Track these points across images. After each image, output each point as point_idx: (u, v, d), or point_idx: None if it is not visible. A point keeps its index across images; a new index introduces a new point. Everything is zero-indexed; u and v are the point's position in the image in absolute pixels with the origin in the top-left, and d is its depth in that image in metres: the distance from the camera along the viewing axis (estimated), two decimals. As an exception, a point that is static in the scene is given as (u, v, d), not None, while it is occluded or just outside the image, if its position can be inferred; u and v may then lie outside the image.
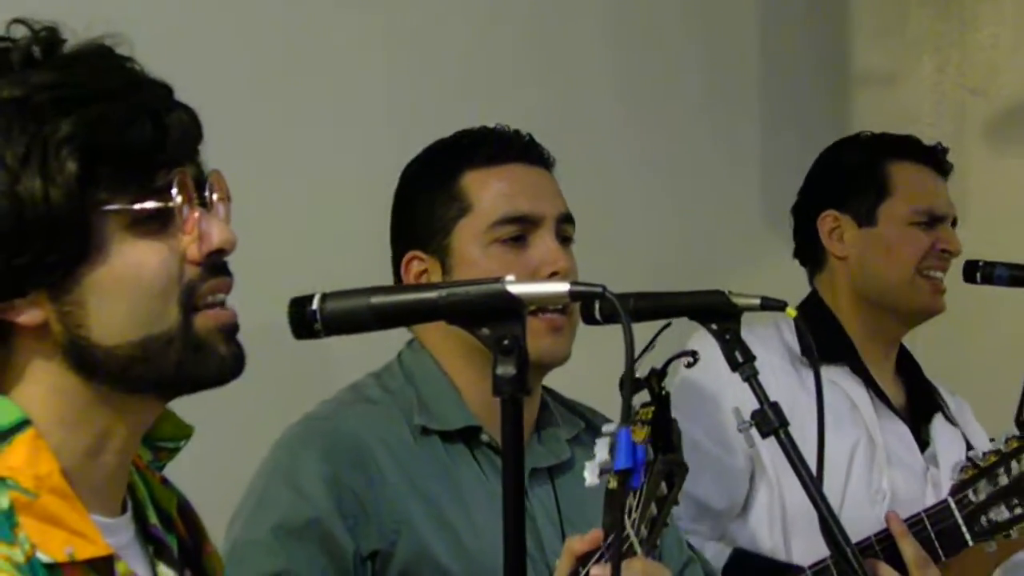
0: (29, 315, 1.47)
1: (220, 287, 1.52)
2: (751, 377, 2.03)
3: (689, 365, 2.06)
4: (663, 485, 2.04)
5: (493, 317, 1.59)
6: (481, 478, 2.25)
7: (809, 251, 3.00)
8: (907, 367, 3.04)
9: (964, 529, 2.63)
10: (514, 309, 1.59)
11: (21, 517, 1.43)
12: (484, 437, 2.27)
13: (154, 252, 1.49)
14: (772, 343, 2.85)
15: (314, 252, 2.84)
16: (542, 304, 1.99)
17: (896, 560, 2.61)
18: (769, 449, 2.57)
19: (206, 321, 1.51)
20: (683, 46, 3.82)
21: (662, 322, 2.09)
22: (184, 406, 1.59)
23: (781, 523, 2.81)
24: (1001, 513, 2.63)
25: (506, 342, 1.58)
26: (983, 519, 2.64)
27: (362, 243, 2.40)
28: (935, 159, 3.00)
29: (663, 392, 2.01)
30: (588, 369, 2.32)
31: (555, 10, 3.50)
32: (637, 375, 1.99)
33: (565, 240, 2.31)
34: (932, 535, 2.65)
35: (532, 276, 2.20)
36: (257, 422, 2.31)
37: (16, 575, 1.41)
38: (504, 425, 1.61)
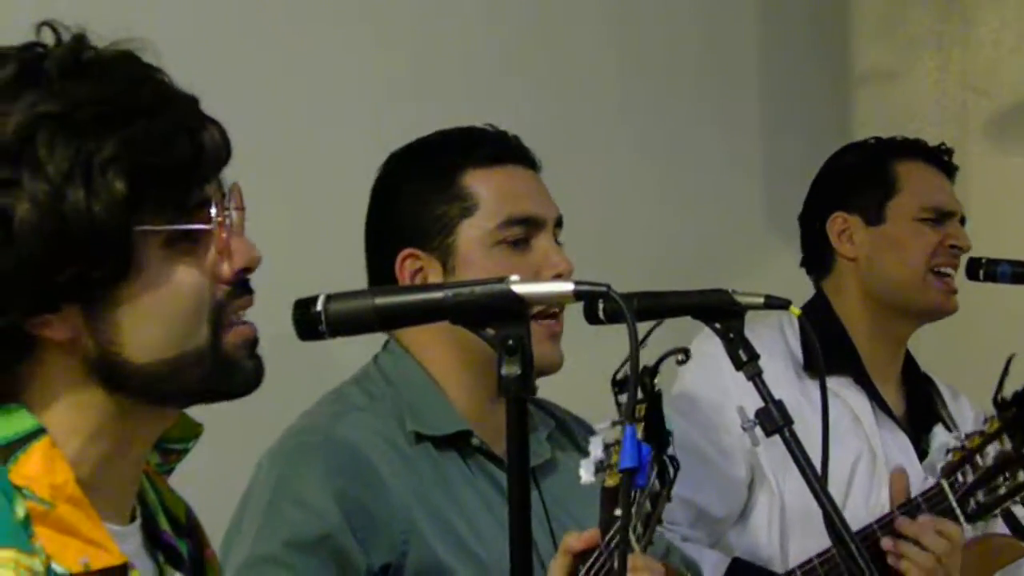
0: (59, 330, 1.47)
1: (246, 305, 1.54)
2: (756, 376, 2.03)
3: (681, 362, 2.06)
4: (655, 481, 2.04)
5: (497, 317, 1.60)
6: (473, 483, 2.24)
7: (817, 256, 3.01)
8: (911, 374, 3.04)
9: (958, 512, 2.64)
10: (518, 309, 1.60)
11: (36, 527, 1.44)
12: (475, 441, 2.25)
13: (189, 273, 1.50)
14: (776, 350, 2.85)
15: (308, 256, 2.82)
16: (547, 304, 2.00)
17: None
18: (770, 452, 2.57)
19: (234, 338, 1.52)
20: (683, 44, 3.83)
21: (667, 321, 2.08)
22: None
23: (779, 527, 2.82)
24: (988, 494, 2.65)
25: (511, 342, 1.59)
26: (972, 500, 2.65)
27: (357, 246, 2.38)
28: (940, 159, 3.01)
29: (656, 389, 2.02)
30: (572, 369, 2.31)
31: (553, 7, 3.51)
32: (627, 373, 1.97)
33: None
34: None
35: (535, 278, 2.16)
36: (258, 427, 2.28)
37: None
38: (509, 426, 1.61)
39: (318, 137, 2.97)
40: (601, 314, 2.05)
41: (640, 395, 2.02)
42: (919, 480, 2.81)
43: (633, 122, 3.64)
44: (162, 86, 1.52)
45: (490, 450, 2.25)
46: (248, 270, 1.53)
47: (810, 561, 2.66)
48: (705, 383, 2.79)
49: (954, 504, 2.65)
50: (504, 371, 1.58)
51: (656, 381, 2.03)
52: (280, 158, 2.86)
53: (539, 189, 2.32)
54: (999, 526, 2.81)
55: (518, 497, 1.63)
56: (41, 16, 1.51)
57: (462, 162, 2.28)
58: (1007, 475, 2.65)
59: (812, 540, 2.61)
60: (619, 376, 2.01)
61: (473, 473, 2.25)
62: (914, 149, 3.02)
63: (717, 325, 2.05)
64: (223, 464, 2.22)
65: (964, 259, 2.98)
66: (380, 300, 1.63)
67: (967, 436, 2.69)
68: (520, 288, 1.60)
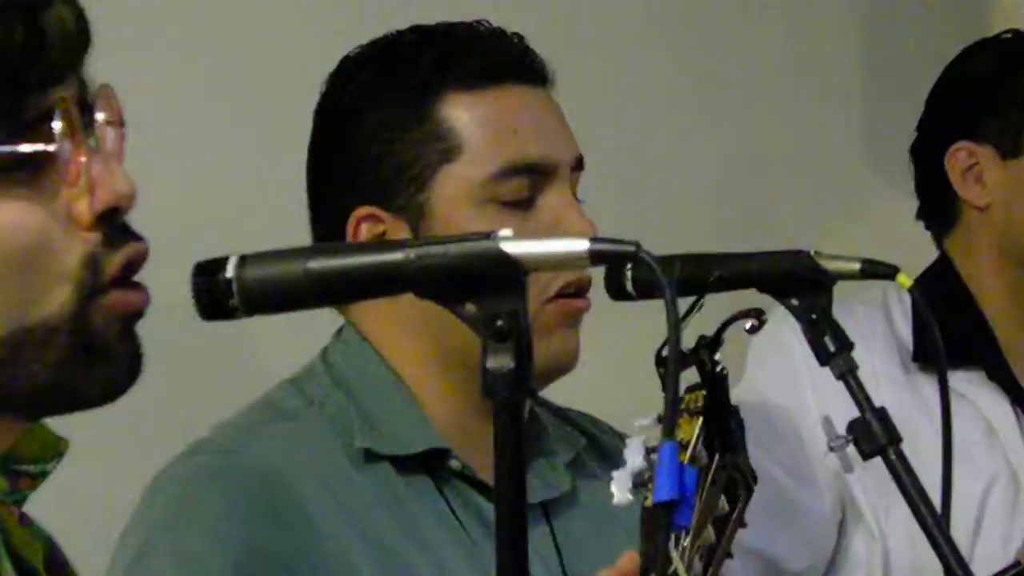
0: None
1: (133, 256, 1.32)
2: (848, 374, 1.81)
3: (752, 330, 1.84)
4: (723, 501, 1.80)
5: (482, 288, 1.36)
6: (448, 519, 1.93)
7: (937, 204, 2.67)
8: None
9: None
10: (512, 276, 1.36)
11: None
12: (454, 464, 1.94)
13: (22, 212, 1.28)
14: (877, 336, 2.55)
15: (241, 211, 2.59)
16: (552, 268, 1.72)
17: None
18: (869, 479, 2.36)
19: (106, 309, 1.31)
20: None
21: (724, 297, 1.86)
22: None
23: None
24: None
25: (500, 323, 1.35)
26: None
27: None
28: None
29: (719, 370, 1.79)
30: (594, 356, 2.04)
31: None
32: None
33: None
34: None
35: None
36: (154, 432, 2.12)
37: None
38: (497, 442, 1.38)
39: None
40: (629, 286, 1.84)
41: (696, 380, 1.79)
42: None
43: (667, 33, 3.32)
44: None
45: (475, 476, 1.95)
46: (117, 211, 1.30)
47: None
48: (777, 384, 2.52)
49: None
50: (490, 364, 1.35)
51: (719, 358, 1.78)
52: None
53: (549, 118, 1.99)
54: None
55: (509, 543, 1.44)
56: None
57: (437, 82, 1.95)
58: None
59: None
60: (664, 352, 1.75)
61: (451, 504, 1.94)
62: None
63: (794, 302, 1.84)
64: (112, 483, 2.04)
65: None
66: (315, 263, 1.40)
67: None
68: (513, 247, 1.35)
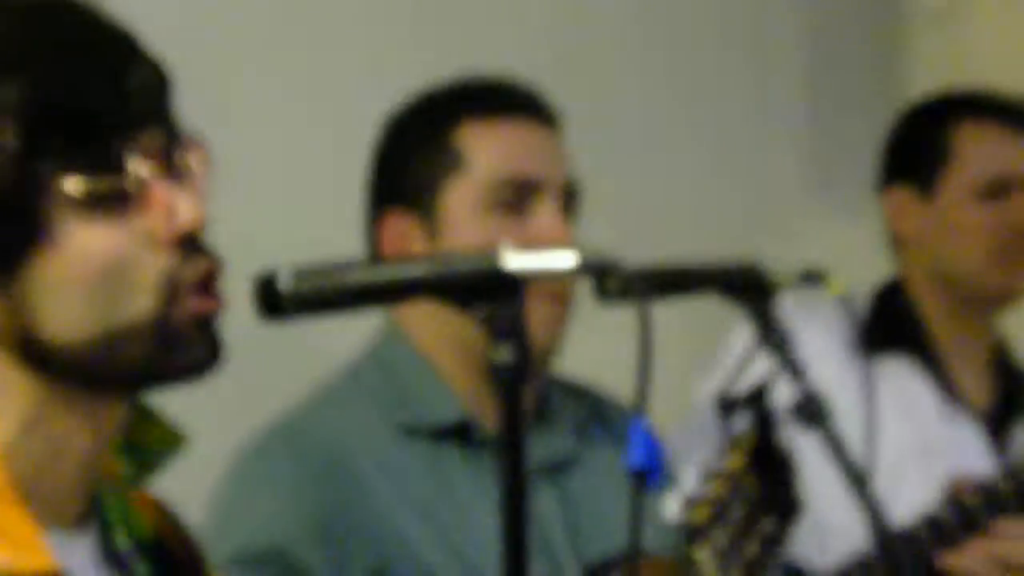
0: None
1: (205, 271, 1.42)
2: (788, 358, 1.90)
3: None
4: (766, 521, 1.86)
5: (487, 294, 1.50)
6: (477, 481, 2.10)
7: (887, 232, 2.83)
8: (1003, 365, 2.85)
9: None
10: (512, 285, 1.50)
11: None
12: (478, 435, 2.12)
13: (110, 236, 1.39)
14: (832, 326, 2.66)
15: (311, 227, 2.73)
16: (546, 279, 1.79)
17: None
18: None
19: (185, 311, 1.41)
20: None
21: (687, 299, 1.94)
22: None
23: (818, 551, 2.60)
24: None
25: (502, 323, 1.49)
26: None
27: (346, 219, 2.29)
28: (1011, 114, 2.79)
29: (767, 414, 1.87)
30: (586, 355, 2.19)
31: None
32: (736, 395, 1.88)
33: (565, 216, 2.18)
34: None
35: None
36: (236, 421, 2.21)
37: None
38: (501, 422, 1.50)
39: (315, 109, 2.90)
40: (612, 290, 1.85)
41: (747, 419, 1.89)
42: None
43: (658, 76, 3.49)
44: (92, 23, 1.41)
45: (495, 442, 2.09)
46: (192, 233, 1.41)
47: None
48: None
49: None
50: (494, 357, 1.48)
51: (768, 403, 1.87)
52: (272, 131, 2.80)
53: (545, 147, 2.17)
54: None
55: (512, 500, 1.55)
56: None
57: (457, 112, 2.17)
58: None
59: None
60: (728, 397, 1.87)
61: (477, 470, 2.11)
62: (976, 104, 2.81)
63: (746, 302, 1.94)
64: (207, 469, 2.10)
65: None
66: (353, 275, 1.54)
67: None
68: (513, 261, 1.50)
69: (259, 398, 2.32)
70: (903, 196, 2.78)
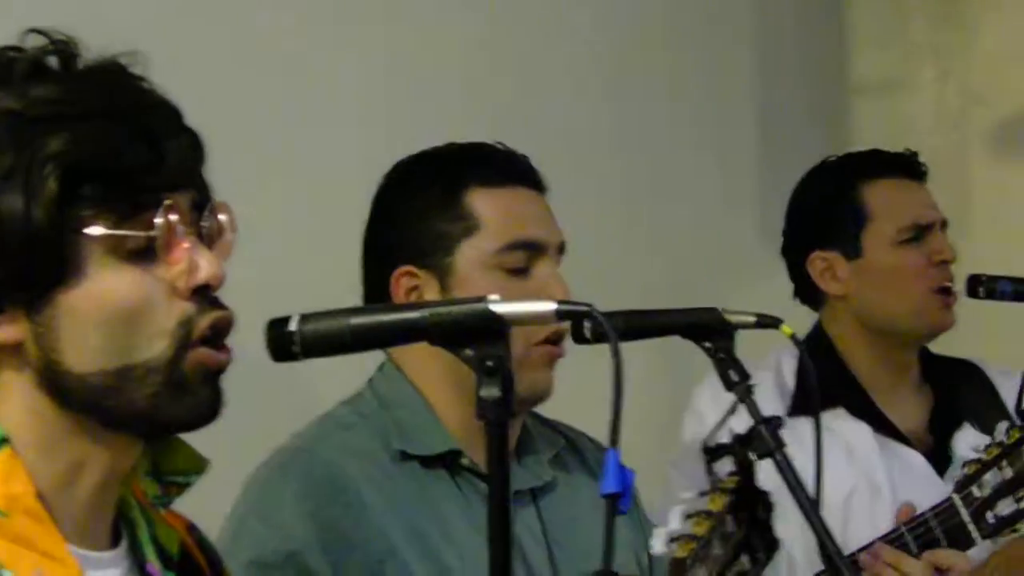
0: (6, 332, 1.48)
1: (219, 323, 1.51)
2: (746, 396, 2.01)
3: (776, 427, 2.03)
4: (744, 559, 1.97)
5: (477, 337, 1.61)
6: (463, 504, 2.23)
7: (807, 291, 2.95)
8: (932, 373, 2.96)
9: (971, 527, 2.59)
10: (498, 329, 1.60)
11: None
12: (465, 461, 2.25)
13: (133, 280, 1.48)
14: (767, 388, 2.78)
15: (311, 273, 2.83)
16: (527, 323, 1.89)
17: None
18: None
19: (195, 361, 1.50)
20: (675, 54, 3.82)
21: (653, 341, 2.08)
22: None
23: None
24: (1007, 507, 2.60)
25: (490, 363, 1.59)
26: (989, 515, 2.60)
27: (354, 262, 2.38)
28: (906, 166, 2.94)
29: (750, 461, 1.99)
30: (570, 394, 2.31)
31: (537, 21, 3.51)
32: (721, 440, 2.01)
33: None
34: (939, 535, 2.61)
35: None
36: (248, 441, 2.26)
37: None
38: (489, 449, 1.62)
39: (310, 152, 2.99)
40: (588, 334, 2.03)
41: (731, 466, 2.01)
42: (940, 496, 2.69)
43: (620, 133, 3.63)
44: (139, 93, 1.52)
45: (480, 469, 2.24)
46: (209, 287, 1.50)
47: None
48: (695, 440, 2.63)
49: (966, 519, 2.60)
50: (482, 393, 1.58)
51: (750, 453, 2.00)
52: (272, 173, 2.88)
53: (544, 213, 2.31)
54: None
55: (498, 521, 1.62)
56: (39, 22, 1.52)
57: (467, 179, 2.27)
58: None
59: None
60: (712, 443, 2.00)
61: (463, 493, 2.24)
62: (876, 164, 2.94)
63: (707, 344, 2.05)
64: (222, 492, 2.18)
65: (962, 273, 2.92)
66: (356, 320, 1.63)
67: (985, 447, 2.63)
68: (499, 308, 1.61)
69: (258, 426, 2.37)
70: (830, 259, 2.89)
